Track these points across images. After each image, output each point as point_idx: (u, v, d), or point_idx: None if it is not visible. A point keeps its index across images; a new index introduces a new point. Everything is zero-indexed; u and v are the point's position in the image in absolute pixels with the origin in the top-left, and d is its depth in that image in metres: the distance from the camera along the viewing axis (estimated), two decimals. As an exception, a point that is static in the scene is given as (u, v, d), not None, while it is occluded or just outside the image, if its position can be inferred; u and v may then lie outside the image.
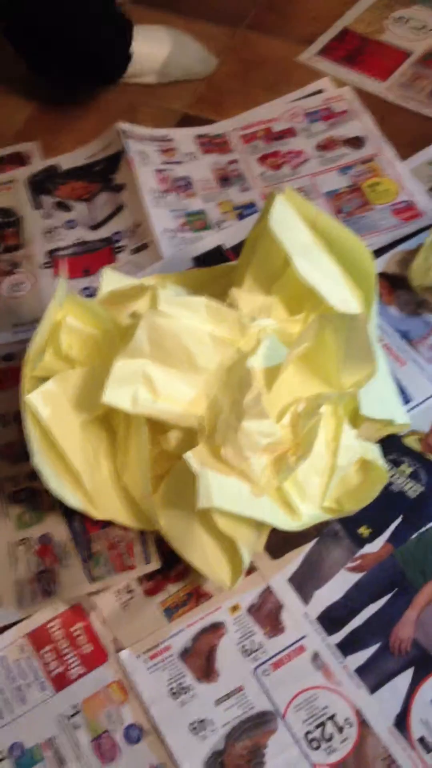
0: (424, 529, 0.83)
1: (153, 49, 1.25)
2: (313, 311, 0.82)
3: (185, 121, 1.22)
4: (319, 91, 1.24)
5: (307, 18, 1.34)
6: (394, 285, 1.02)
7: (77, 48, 1.15)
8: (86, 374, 0.82)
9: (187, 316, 0.76)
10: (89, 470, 0.82)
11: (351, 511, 0.79)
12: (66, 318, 0.82)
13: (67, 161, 1.17)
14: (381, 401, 0.85)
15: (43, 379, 0.81)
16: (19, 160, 1.19)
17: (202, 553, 0.75)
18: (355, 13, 1.34)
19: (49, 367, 0.83)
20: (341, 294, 0.82)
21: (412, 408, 0.91)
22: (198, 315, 0.77)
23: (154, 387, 0.76)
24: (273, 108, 1.22)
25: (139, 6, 1.38)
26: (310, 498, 0.75)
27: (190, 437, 0.79)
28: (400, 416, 0.86)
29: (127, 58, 1.22)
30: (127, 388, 0.75)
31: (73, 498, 0.80)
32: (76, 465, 0.80)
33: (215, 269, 0.95)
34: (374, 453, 0.79)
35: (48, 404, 0.79)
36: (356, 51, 1.29)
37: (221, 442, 0.73)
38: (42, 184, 1.15)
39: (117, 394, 0.75)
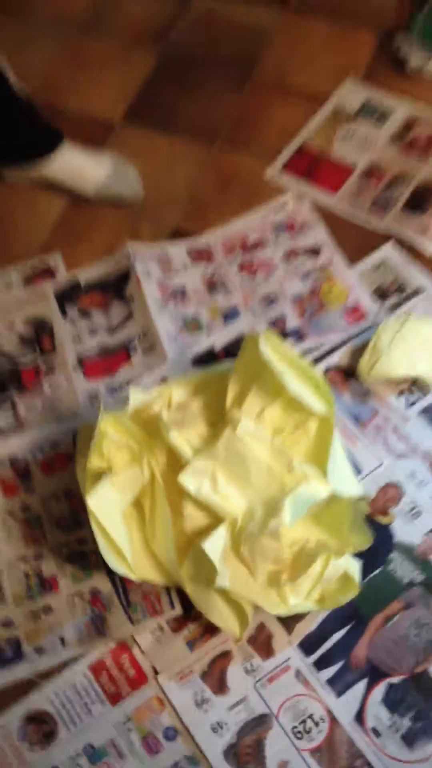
0: (372, 574, 1.10)
1: (92, 168, 1.47)
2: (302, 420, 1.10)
3: (177, 233, 1.45)
4: (284, 205, 1.48)
5: (271, 134, 1.56)
6: (347, 375, 1.28)
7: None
8: (125, 474, 1.08)
9: (256, 447, 1.05)
10: (128, 544, 1.08)
11: (327, 608, 1.06)
12: (108, 431, 1.08)
13: (86, 275, 1.41)
14: (341, 477, 1.11)
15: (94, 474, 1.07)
16: (49, 272, 1.42)
17: (218, 613, 1.03)
18: (308, 131, 1.57)
19: (95, 465, 1.08)
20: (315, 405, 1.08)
21: (364, 478, 1.18)
22: (264, 446, 1.05)
23: (216, 484, 1.04)
24: (247, 221, 1.46)
25: (131, 124, 1.60)
26: (299, 593, 1.02)
27: (199, 518, 1.07)
28: (356, 488, 1.13)
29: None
30: (199, 478, 1.03)
31: (118, 566, 1.06)
32: (119, 542, 1.06)
33: (209, 376, 1.19)
34: (355, 570, 1.04)
35: (99, 501, 1.05)
36: (311, 166, 1.52)
37: (244, 542, 1.00)
38: (67, 295, 1.39)
39: (190, 480, 1.03)
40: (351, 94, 1.61)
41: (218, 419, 1.12)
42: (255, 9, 1.74)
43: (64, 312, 1.37)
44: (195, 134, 1.58)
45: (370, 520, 1.13)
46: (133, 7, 1.77)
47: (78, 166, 1.45)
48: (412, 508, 1.15)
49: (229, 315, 1.36)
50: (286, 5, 1.74)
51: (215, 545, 1.02)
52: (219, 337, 1.33)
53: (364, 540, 1.06)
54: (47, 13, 1.77)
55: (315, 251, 1.42)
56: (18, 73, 1.42)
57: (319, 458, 1.09)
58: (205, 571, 1.02)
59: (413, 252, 1.39)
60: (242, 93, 1.63)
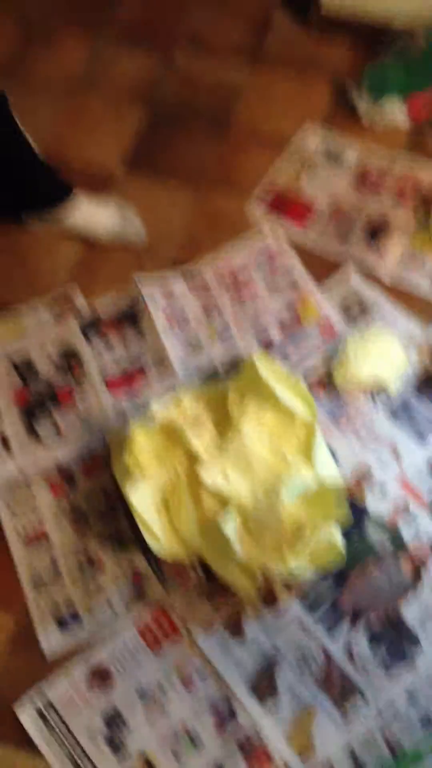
0: (352, 539, 1.36)
1: (101, 216, 1.71)
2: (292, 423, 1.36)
3: (176, 264, 1.69)
4: (262, 238, 1.72)
5: (247, 175, 1.80)
6: (324, 381, 1.54)
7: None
8: (154, 472, 1.33)
9: (257, 445, 1.31)
10: (159, 527, 1.33)
11: (318, 570, 1.31)
12: (138, 438, 1.33)
13: (104, 308, 1.64)
14: (324, 465, 1.38)
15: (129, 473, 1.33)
16: (72, 307, 1.65)
17: (234, 576, 1.29)
18: (278, 172, 1.81)
19: (130, 466, 1.33)
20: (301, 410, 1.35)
21: (341, 465, 1.44)
22: (263, 445, 1.31)
23: (227, 476, 1.30)
24: (233, 254, 1.70)
25: (128, 173, 1.83)
26: (296, 557, 1.28)
27: (215, 504, 1.32)
28: (336, 473, 1.39)
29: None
30: (214, 473, 1.30)
31: (154, 545, 1.31)
32: (153, 526, 1.31)
33: (213, 388, 1.44)
34: (338, 537, 1.29)
35: (136, 494, 1.30)
36: (282, 203, 1.76)
37: (251, 519, 1.26)
38: (89, 326, 1.62)
39: (207, 474, 1.29)
40: (312, 138, 1.85)
41: (223, 424, 1.38)
42: (226, 65, 1.97)
43: (88, 340, 1.61)
44: (184, 178, 1.81)
45: (348, 498, 1.39)
46: (122, 68, 1.99)
47: (89, 214, 1.69)
48: (381, 487, 1.42)
49: (224, 335, 1.60)
50: (252, 61, 1.98)
51: (229, 523, 1.28)
52: (217, 354, 1.58)
53: (345, 514, 1.33)
54: (48, 76, 1.99)
55: (291, 277, 1.67)
56: (26, 131, 1.63)
57: (306, 452, 1.36)
58: (222, 543, 1.28)
59: (370, 276, 1.65)
60: (221, 140, 1.86)
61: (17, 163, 1.61)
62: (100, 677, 1.30)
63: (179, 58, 2.00)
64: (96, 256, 1.72)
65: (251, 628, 1.31)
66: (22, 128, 1.56)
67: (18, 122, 1.55)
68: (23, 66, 2.01)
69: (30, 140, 1.59)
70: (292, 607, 1.32)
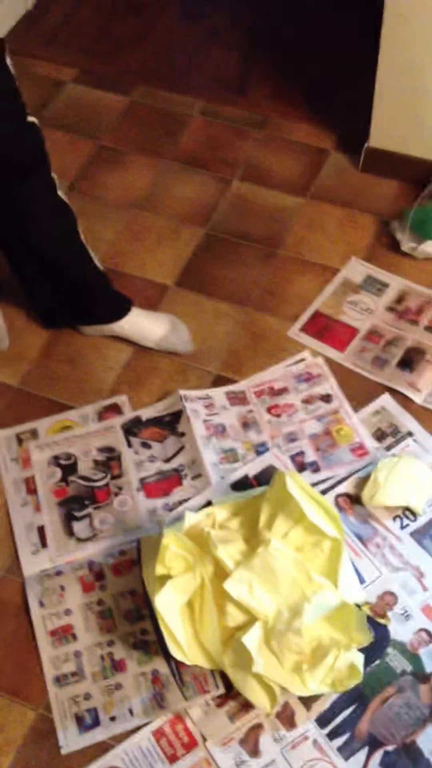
0: (373, 664, 1.35)
1: (153, 327, 1.78)
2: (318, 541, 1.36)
3: (217, 380, 1.75)
4: (302, 359, 1.78)
5: (291, 300, 1.88)
6: (353, 501, 1.56)
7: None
8: (182, 580, 1.34)
9: (284, 562, 1.31)
10: (183, 635, 1.32)
11: (338, 691, 1.29)
12: (169, 545, 1.34)
13: (146, 413, 1.69)
14: (349, 586, 1.37)
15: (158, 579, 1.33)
16: (117, 409, 1.71)
17: (253, 692, 1.27)
18: (322, 299, 1.88)
19: (160, 572, 1.34)
20: (329, 530, 1.36)
21: (366, 586, 1.44)
22: (289, 561, 1.31)
23: (252, 590, 1.29)
24: (273, 372, 1.75)
25: (181, 289, 1.92)
26: (316, 679, 1.26)
27: (239, 616, 1.32)
28: (360, 595, 1.39)
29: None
30: (240, 585, 1.29)
31: (177, 654, 1.31)
32: (177, 634, 1.31)
33: (245, 500, 1.47)
34: (360, 661, 1.28)
35: (163, 601, 1.30)
36: (324, 328, 1.83)
37: (274, 637, 1.26)
38: (131, 429, 1.67)
39: (234, 587, 1.29)
40: (355, 269, 1.93)
41: (252, 537, 1.39)
42: (280, 195, 2.08)
43: (129, 442, 1.65)
44: (232, 298, 1.89)
45: (371, 621, 1.38)
46: (181, 192, 2.11)
47: (142, 325, 1.76)
48: (404, 612, 1.41)
49: (260, 449, 1.64)
50: (304, 193, 2.08)
51: (252, 639, 1.28)
52: (251, 467, 1.60)
53: (367, 638, 1.32)
54: (113, 194, 2.11)
55: (327, 398, 1.71)
56: (90, 243, 1.71)
57: (332, 571, 1.36)
58: (244, 658, 1.27)
59: (405, 402, 1.69)
60: (269, 265, 1.95)
61: (82, 282, 1.70)
62: (113, 782, 1.28)
63: (235, 185, 2.12)
64: (143, 361, 1.78)
65: (268, 746, 1.29)
66: (88, 248, 1.65)
67: (85, 242, 1.64)
68: (92, 183, 2.14)
69: (96, 259, 1.68)
70: (309, 729, 1.30)
